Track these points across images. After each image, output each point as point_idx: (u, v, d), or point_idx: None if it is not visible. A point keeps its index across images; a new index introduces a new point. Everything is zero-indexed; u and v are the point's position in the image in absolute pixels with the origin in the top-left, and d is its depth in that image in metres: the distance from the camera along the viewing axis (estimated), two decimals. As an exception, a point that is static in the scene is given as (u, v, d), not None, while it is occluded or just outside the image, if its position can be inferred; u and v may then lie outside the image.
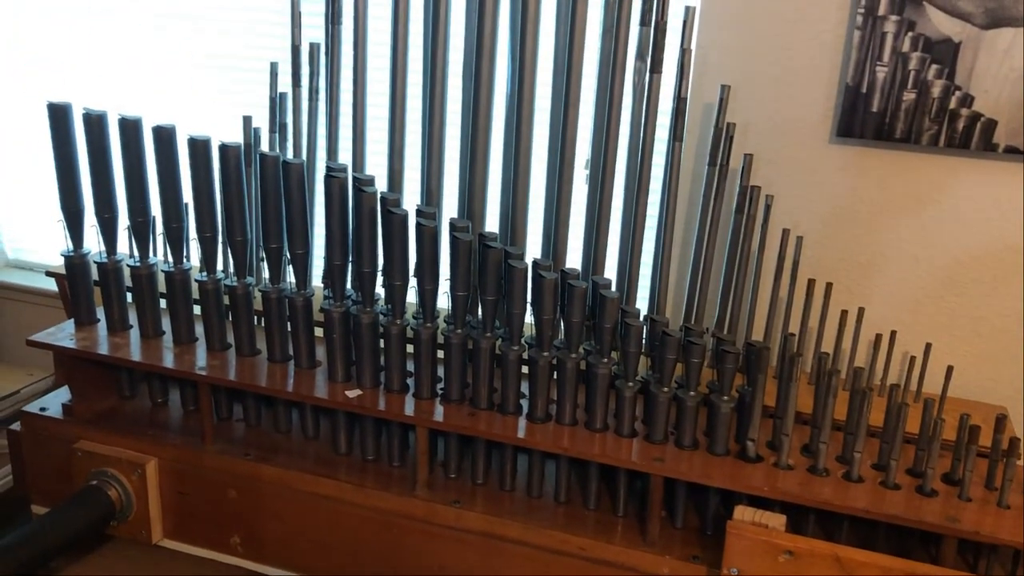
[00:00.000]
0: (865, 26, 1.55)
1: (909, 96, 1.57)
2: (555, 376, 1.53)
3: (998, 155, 1.56)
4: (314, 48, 1.71)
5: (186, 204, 1.65)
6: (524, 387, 1.56)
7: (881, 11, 1.54)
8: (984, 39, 1.50)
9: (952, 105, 1.55)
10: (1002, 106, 1.53)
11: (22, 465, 1.82)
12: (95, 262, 1.72)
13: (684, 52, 1.53)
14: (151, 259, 1.71)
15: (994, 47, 1.50)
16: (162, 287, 1.72)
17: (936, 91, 1.55)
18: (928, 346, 1.62)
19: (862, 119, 1.60)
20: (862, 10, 1.54)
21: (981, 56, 1.51)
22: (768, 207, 1.63)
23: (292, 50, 1.72)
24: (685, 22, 1.53)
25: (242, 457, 1.65)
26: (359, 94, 1.69)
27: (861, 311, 1.65)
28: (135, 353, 1.69)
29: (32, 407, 1.79)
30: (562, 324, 1.50)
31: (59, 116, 1.62)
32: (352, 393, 1.59)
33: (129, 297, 1.76)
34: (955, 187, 1.62)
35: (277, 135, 1.77)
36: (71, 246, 1.72)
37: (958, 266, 1.66)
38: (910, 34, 1.54)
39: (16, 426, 1.81)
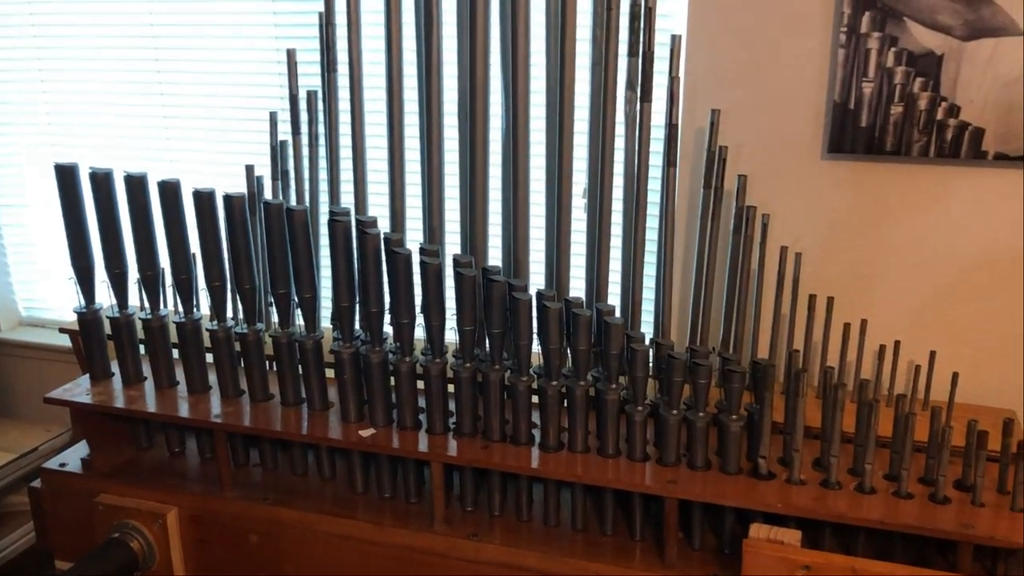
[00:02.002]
0: (849, 44, 1.58)
1: (896, 109, 1.60)
2: (565, 404, 1.54)
3: (988, 162, 1.59)
4: (311, 96, 1.75)
5: (194, 255, 1.68)
6: (535, 417, 1.58)
7: (863, 28, 1.57)
8: (966, 50, 1.53)
9: (939, 116, 1.58)
10: (988, 114, 1.55)
11: (44, 521, 1.84)
12: (107, 317, 1.75)
13: (673, 80, 1.56)
14: (162, 311, 1.73)
15: (976, 57, 1.53)
16: (173, 338, 1.74)
17: (923, 103, 1.58)
18: (932, 354, 1.63)
19: (852, 134, 1.63)
20: (845, 28, 1.57)
21: (964, 67, 1.54)
22: (765, 226, 1.65)
23: (290, 99, 1.76)
24: (672, 50, 1.56)
25: (261, 502, 1.67)
26: (358, 138, 1.73)
27: (864, 323, 1.67)
28: (151, 405, 1.71)
29: (52, 463, 1.82)
30: (569, 352, 1.52)
31: (66, 176, 1.65)
32: (366, 432, 1.60)
33: (142, 349, 1.79)
34: (948, 196, 1.64)
35: (280, 182, 1.80)
36: (83, 302, 1.74)
37: (957, 273, 1.68)
38: (893, 49, 1.57)
39: (36, 483, 1.83)
